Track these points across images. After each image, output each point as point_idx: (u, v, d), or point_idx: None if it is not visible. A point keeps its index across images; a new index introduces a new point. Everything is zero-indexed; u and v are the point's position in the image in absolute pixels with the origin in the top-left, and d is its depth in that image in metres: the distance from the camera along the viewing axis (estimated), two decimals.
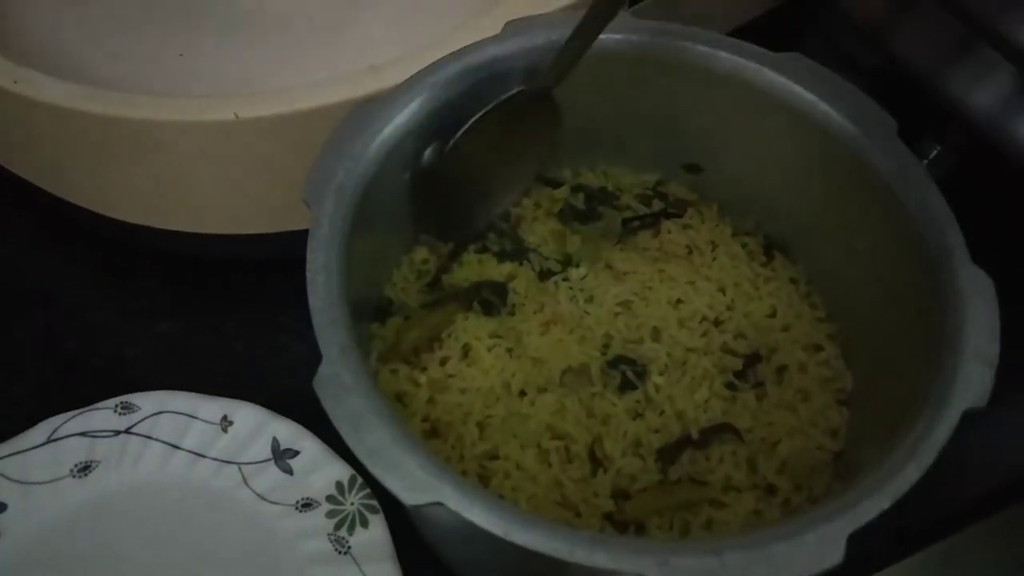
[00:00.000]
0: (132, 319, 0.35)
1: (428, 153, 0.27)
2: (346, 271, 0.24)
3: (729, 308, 0.29)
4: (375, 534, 0.29)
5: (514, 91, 0.27)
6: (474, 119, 0.27)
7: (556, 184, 0.32)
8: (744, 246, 0.31)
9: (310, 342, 0.34)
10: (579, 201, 0.31)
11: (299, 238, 0.33)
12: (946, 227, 0.24)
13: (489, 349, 0.27)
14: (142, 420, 0.31)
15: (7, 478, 0.29)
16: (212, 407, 0.31)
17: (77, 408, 0.31)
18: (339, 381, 0.22)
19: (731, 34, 0.28)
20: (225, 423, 0.31)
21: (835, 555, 0.19)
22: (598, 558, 0.19)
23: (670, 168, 0.32)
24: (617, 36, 0.28)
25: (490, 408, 0.27)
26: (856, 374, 0.28)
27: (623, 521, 0.25)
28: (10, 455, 0.30)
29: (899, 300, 0.26)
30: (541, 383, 0.27)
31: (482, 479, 0.26)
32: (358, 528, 0.29)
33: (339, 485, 0.30)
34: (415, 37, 0.28)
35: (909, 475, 0.21)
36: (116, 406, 0.31)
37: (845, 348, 0.29)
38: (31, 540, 0.29)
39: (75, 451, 0.30)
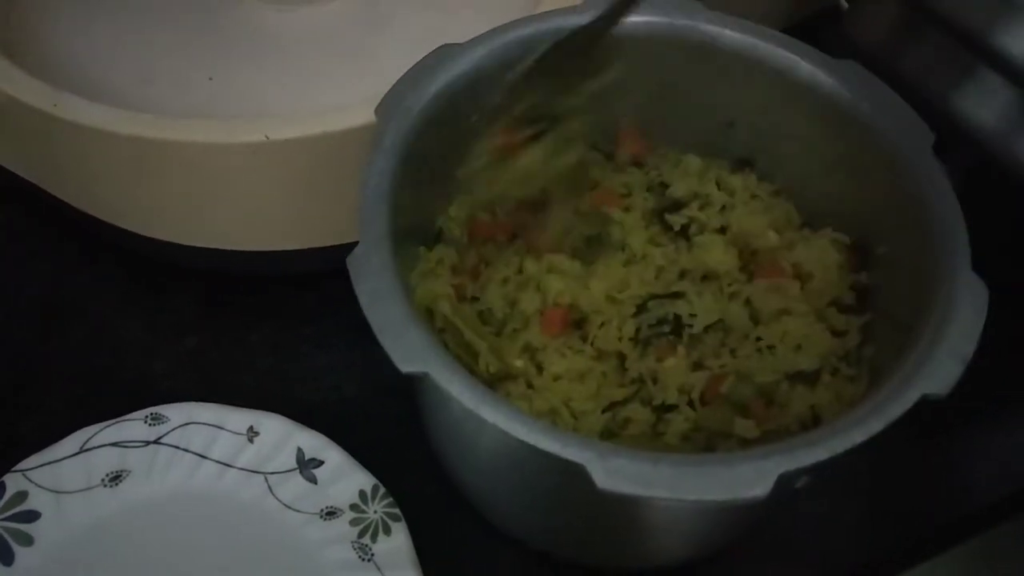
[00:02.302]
0: (161, 334, 0.36)
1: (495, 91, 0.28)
2: (399, 178, 0.27)
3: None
4: (397, 541, 0.29)
5: (573, 30, 0.28)
6: (538, 55, 0.27)
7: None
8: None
9: (332, 355, 0.35)
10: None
11: (323, 254, 0.34)
12: (957, 235, 0.26)
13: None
14: (171, 431, 0.31)
15: (40, 487, 0.30)
16: (239, 418, 0.32)
17: (111, 417, 0.32)
18: (368, 262, 0.25)
19: None
20: (251, 434, 0.32)
21: (761, 489, 0.21)
22: (545, 442, 0.22)
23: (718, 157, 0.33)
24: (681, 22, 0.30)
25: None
26: None
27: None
28: (43, 465, 0.31)
29: (902, 296, 0.27)
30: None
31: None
32: (381, 536, 0.30)
33: (362, 494, 0.30)
34: None
35: (853, 437, 0.22)
36: (146, 417, 0.32)
37: None
38: (64, 548, 0.29)
39: (107, 461, 0.31)
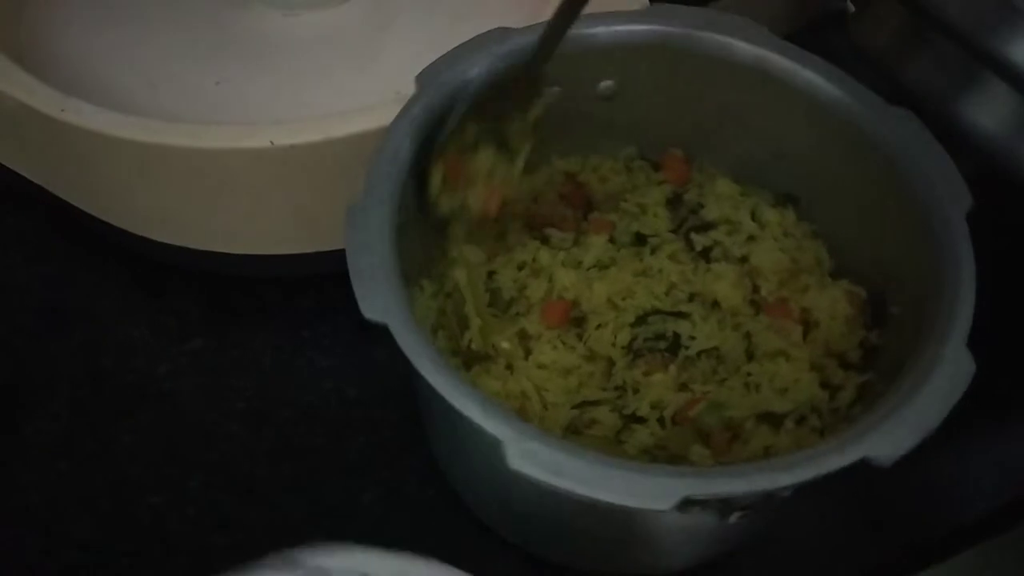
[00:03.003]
0: (164, 336, 0.36)
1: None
2: (418, 145, 0.27)
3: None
4: None
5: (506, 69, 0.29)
6: (470, 100, 0.28)
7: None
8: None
9: (332, 358, 0.36)
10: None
11: (325, 258, 0.35)
12: (964, 306, 0.24)
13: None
14: None
15: None
16: (386, 565, 0.25)
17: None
18: (365, 216, 0.26)
19: None
20: None
21: (665, 504, 0.21)
22: (470, 408, 0.22)
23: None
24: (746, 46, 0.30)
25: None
26: None
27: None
28: None
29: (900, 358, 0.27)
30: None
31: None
32: None
33: None
34: None
35: (778, 479, 0.21)
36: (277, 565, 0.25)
37: None
38: None
39: None
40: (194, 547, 0.31)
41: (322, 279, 0.36)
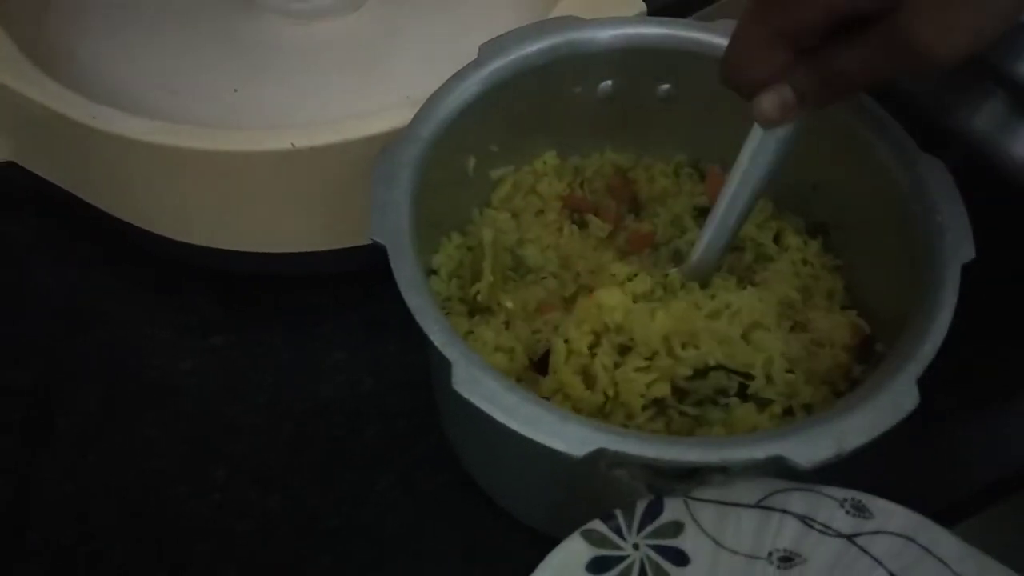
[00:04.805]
0: (185, 334, 0.37)
1: None
2: (476, 105, 0.30)
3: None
4: None
5: None
6: None
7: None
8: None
9: (348, 352, 0.37)
10: None
11: (340, 255, 0.36)
12: (927, 345, 0.25)
13: None
14: (875, 535, 0.23)
15: (701, 528, 0.24)
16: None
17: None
18: (399, 152, 0.28)
19: None
20: None
21: (577, 451, 0.22)
22: (431, 327, 0.24)
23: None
24: None
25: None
26: None
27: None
28: (715, 502, 0.24)
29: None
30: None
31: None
32: None
33: None
34: (446, 70, 0.31)
35: (688, 453, 0.23)
36: (846, 502, 0.24)
37: None
38: None
39: (785, 533, 0.23)
40: (218, 533, 0.32)
41: (337, 279, 0.37)
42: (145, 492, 0.33)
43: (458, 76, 0.30)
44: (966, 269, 0.27)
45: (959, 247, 0.27)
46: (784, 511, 0.24)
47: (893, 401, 0.23)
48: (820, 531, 0.23)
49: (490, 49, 0.30)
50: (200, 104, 0.37)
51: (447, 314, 0.29)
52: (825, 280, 0.32)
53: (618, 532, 0.23)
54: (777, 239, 0.33)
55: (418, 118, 0.29)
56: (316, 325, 0.37)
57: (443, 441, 0.33)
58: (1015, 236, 0.35)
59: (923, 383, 0.24)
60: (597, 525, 0.23)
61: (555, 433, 0.22)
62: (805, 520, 0.24)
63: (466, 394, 0.23)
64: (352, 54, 0.39)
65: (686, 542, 0.23)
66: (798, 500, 0.24)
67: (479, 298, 0.30)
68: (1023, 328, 0.36)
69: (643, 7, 0.36)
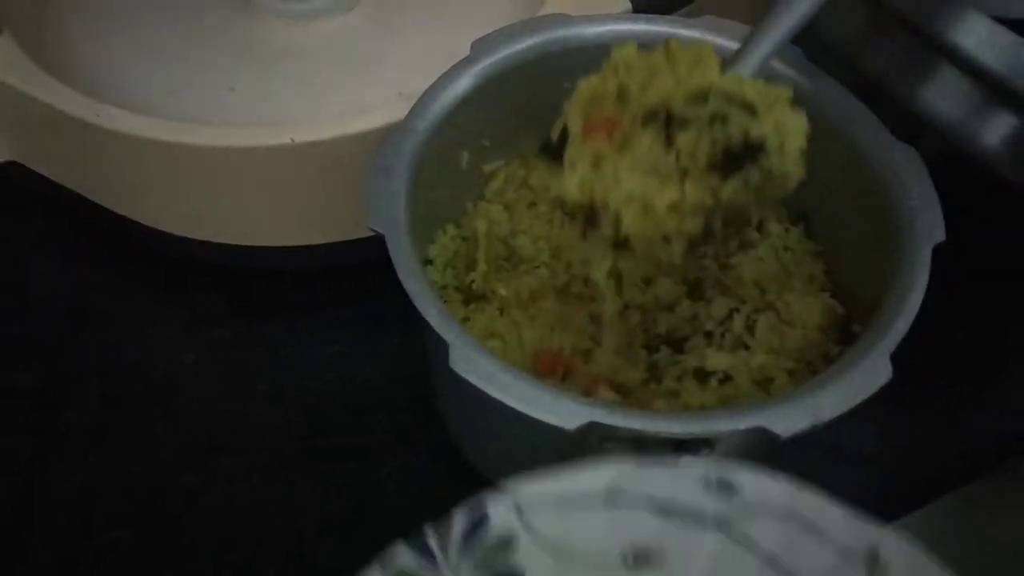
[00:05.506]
0: (188, 329, 0.38)
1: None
2: (469, 99, 0.31)
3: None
4: None
5: None
6: None
7: None
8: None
9: (348, 345, 0.37)
10: None
11: (343, 248, 0.37)
12: (899, 324, 0.26)
13: None
14: (736, 516, 0.18)
15: (536, 536, 0.18)
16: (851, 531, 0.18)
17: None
18: (396, 143, 0.29)
19: None
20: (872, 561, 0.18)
21: (569, 424, 0.23)
22: (428, 311, 0.25)
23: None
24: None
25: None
26: None
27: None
28: (549, 503, 0.19)
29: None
30: None
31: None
32: None
33: None
34: (438, 67, 0.32)
35: (670, 425, 0.23)
36: (706, 478, 0.19)
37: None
38: None
39: (637, 527, 0.19)
40: (225, 522, 0.32)
41: (338, 273, 0.38)
42: (151, 486, 0.33)
43: (451, 73, 0.31)
44: (937, 251, 0.28)
45: (931, 229, 0.28)
46: (635, 502, 0.19)
47: (866, 375, 0.24)
48: (680, 518, 0.19)
49: (482, 46, 0.31)
50: (198, 104, 0.37)
51: (444, 302, 0.30)
52: (805, 265, 0.33)
53: (431, 559, 0.17)
54: (760, 227, 0.34)
55: (413, 113, 0.30)
56: (317, 318, 0.38)
57: (445, 433, 0.33)
58: (989, 221, 0.37)
59: (897, 359, 0.25)
60: (401, 554, 0.17)
61: (548, 408, 0.23)
62: (662, 508, 0.19)
63: (463, 373, 0.24)
64: (347, 52, 0.40)
65: (520, 560, 0.18)
66: (653, 481, 0.19)
67: (474, 286, 0.31)
68: (995, 310, 0.38)
69: (629, 4, 0.37)
